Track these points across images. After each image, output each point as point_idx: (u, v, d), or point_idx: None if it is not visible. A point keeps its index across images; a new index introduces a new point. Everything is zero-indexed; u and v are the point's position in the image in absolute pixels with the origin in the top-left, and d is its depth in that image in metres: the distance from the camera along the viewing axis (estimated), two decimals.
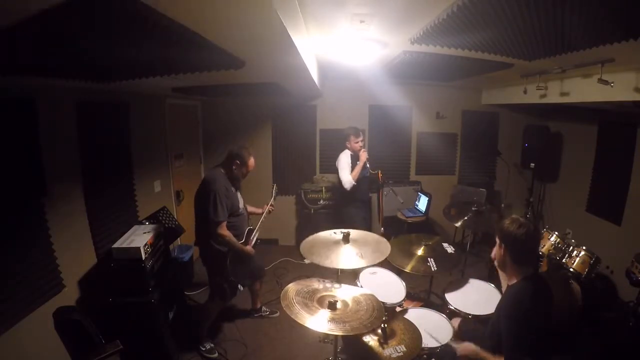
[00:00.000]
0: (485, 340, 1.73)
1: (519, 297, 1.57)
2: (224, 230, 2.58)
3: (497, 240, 1.71)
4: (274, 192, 3.35)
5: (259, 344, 3.00)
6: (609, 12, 1.31)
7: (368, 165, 3.62)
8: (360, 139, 3.74)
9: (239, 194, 2.83)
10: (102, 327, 2.03)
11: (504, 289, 1.99)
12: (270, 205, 3.10)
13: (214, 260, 2.72)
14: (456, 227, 3.69)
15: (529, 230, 1.59)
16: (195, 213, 2.74)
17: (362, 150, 3.69)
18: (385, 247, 2.30)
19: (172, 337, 2.64)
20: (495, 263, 1.83)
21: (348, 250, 2.23)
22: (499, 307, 1.73)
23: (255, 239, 2.91)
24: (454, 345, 1.89)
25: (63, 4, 0.93)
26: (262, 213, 3.06)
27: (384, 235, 3.47)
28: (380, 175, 3.44)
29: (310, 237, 2.40)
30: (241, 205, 2.85)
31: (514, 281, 1.66)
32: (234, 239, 2.65)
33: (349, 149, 3.78)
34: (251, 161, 2.75)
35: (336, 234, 2.38)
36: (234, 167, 2.70)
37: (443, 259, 2.52)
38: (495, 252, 1.74)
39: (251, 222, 3.03)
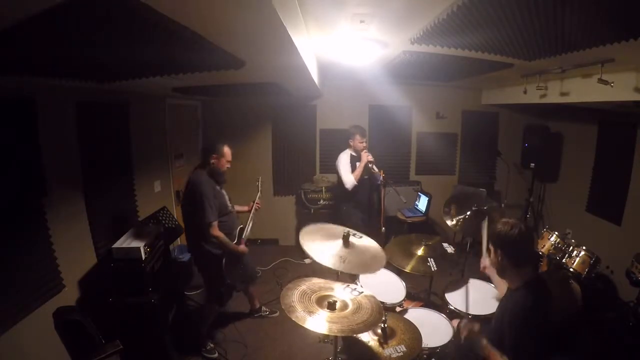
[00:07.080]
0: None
1: (523, 304, 1.55)
2: (216, 231, 2.57)
3: (492, 248, 1.70)
4: (259, 185, 3.27)
5: (259, 344, 3.00)
6: (609, 12, 1.31)
7: (373, 166, 3.60)
8: (365, 139, 3.74)
9: (224, 192, 2.80)
10: (102, 327, 2.03)
11: (500, 292, 1.98)
12: (257, 203, 3.08)
13: (208, 265, 2.71)
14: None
15: (521, 230, 1.60)
16: (185, 219, 2.71)
17: (365, 151, 3.68)
18: (375, 264, 2.07)
19: (171, 337, 2.63)
20: (489, 271, 1.80)
21: (339, 249, 2.05)
22: (502, 312, 1.70)
23: (246, 238, 2.88)
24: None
25: (63, 4, 0.93)
26: (250, 211, 3.04)
27: (384, 235, 3.49)
28: (382, 175, 3.44)
29: (321, 225, 2.26)
30: (228, 203, 2.84)
31: (516, 285, 1.65)
32: (227, 240, 2.63)
33: (350, 147, 3.77)
34: (226, 150, 2.70)
35: (350, 233, 2.13)
36: (212, 161, 2.64)
37: (443, 259, 2.52)
38: (492, 260, 1.73)
39: (241, 221, 3.01)
